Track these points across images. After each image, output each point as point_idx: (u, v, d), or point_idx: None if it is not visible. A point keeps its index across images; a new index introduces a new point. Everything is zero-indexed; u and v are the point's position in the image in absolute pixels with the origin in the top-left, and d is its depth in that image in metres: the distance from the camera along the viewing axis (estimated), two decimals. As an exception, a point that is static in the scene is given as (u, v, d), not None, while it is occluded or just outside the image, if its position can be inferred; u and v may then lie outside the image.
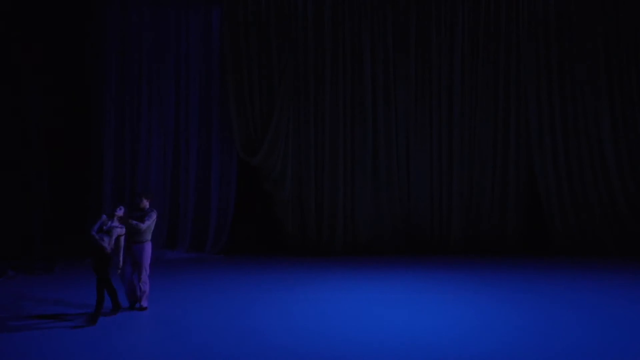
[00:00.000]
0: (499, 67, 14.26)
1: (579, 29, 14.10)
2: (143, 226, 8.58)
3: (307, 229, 14.17)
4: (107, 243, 8.22)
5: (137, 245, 8.68)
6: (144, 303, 8.71)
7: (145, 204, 8.83)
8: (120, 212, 8.44)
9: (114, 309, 8.42)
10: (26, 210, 13.49)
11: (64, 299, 9.41)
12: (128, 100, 14.12)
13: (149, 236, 8.76)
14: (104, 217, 8.48)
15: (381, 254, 13.85)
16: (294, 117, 14.20)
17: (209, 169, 14.31)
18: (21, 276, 11.50)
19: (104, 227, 8.31)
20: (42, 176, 13.65)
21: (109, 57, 13.97)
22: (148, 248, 8.75)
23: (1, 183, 13.29)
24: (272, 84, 14.15)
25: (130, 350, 6.99)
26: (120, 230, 8.39)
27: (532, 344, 7.03)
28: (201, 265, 12.80)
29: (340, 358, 6.61)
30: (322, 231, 14.17)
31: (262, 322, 8.10)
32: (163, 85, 14.22)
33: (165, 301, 9.27)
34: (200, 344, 7.12)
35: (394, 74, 14.30)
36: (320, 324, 7.99)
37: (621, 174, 13.95)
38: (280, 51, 14.13)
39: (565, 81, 14.15)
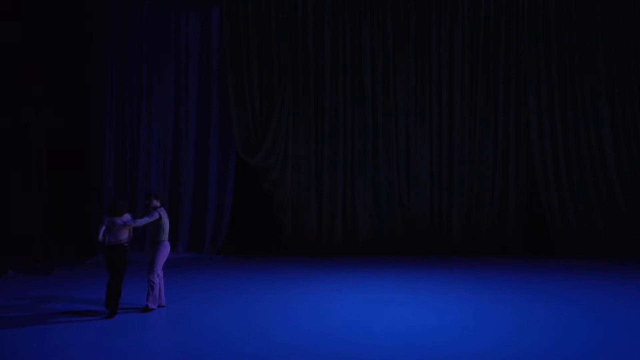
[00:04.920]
0: (499, 67, 14.27)
1: (579, 29, 14.11)
2: (140, 222, 8.50)
3: (307, 229, 14.17)
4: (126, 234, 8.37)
5: (152, 246, 8.70)
6: (151, 304, 8.56)
7: (155, 203, 8.70)
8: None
9: (111, 313, 8.30)
10: (26, 210, 13.49)
11: (63, 299, 9.41)
12: (128, 101, 14.13)
13: (163, 237, 8.64)
14: (106, 219, 8.42)
15: (381, 254, 13.85)
16: (294, 117, 14.20)
17: (208, 168, 14.31)
18: (21, 276, 11.51)
19: (118, 224, 8.30)
20: (42, 176, 13.64)
21: (109, 57, 13.98)
22: (162, 249, 8.65)
23: (1, 183, 13.29)
24: (272, 84, 14.15)
25: (131, 350, 6.98)
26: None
27: (532, 344, 7.02)
28: (201, 265, 12.81)
29: (340, 358, 6.60)
30: (321, 231, 14.17)
31: (262, 322, 8.09)
32: (163, 85, 14.23)
33: (164, 301, 9.25)
34: (200, 344, 7.11)
35: (393, 73, 14.31)
36: (320, 324, 7.98)
37: (621, 174, 13.96)
38: (280, 51, 14.13)
39: (565, 81, 14.16)
